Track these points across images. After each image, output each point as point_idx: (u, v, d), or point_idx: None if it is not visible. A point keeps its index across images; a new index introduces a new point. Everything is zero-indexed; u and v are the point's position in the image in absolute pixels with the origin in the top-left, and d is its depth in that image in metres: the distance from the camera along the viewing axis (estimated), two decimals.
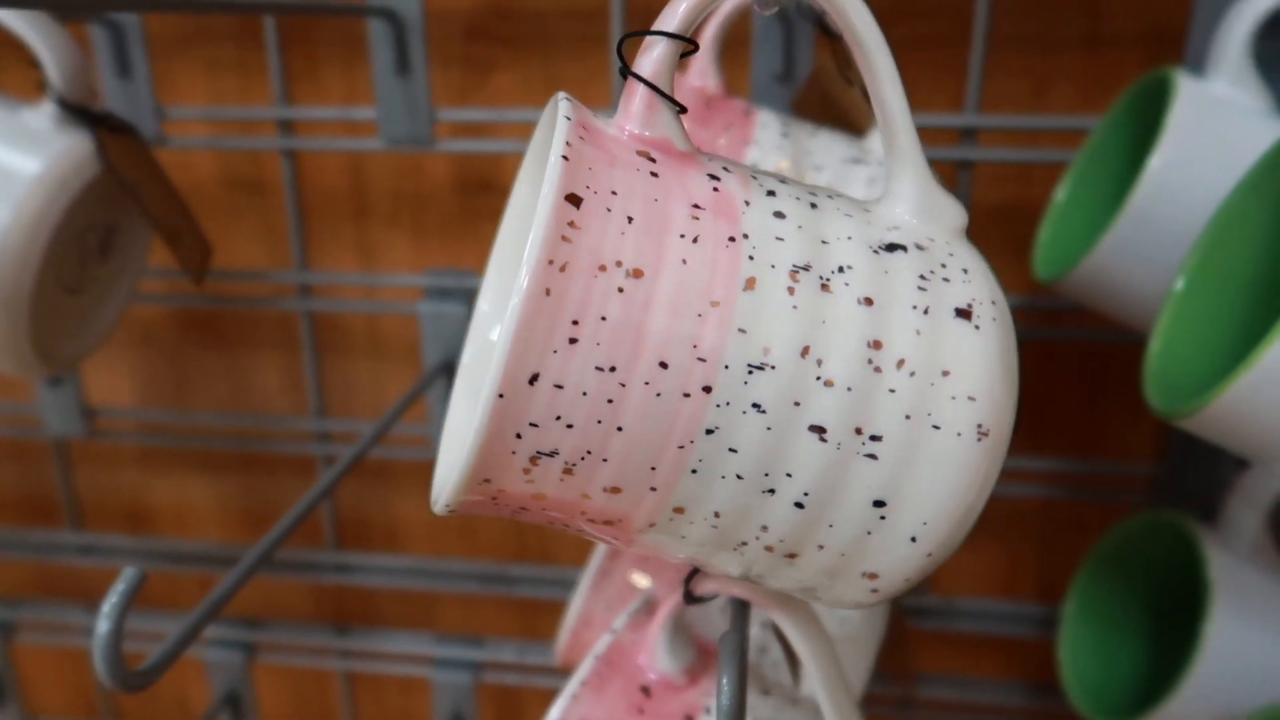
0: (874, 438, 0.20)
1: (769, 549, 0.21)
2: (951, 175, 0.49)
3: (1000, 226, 0.53)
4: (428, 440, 0.57)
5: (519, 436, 0.20)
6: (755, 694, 0.34)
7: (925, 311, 0.21)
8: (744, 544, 0.21)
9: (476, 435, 0.20)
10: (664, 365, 0.19)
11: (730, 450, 0.20)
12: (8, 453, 0.67)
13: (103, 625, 0.26)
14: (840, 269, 0.20)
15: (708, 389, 0.19)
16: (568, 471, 0.20)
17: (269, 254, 0.59)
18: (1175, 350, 0.31)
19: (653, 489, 0.20)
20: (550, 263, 0.19)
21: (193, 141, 0.55)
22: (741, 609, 0.29)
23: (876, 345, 0.20)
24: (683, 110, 0.22)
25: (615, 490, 0.20)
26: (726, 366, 0.19)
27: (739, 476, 0.20)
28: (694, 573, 0.30)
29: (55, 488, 0.66)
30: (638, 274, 0.19)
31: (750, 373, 0.20)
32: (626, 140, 0.21)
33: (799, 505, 0.20)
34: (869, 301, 0.20)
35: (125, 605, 0.27)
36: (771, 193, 0.21)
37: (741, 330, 0.19)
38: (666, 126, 0.22)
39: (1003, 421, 0.21)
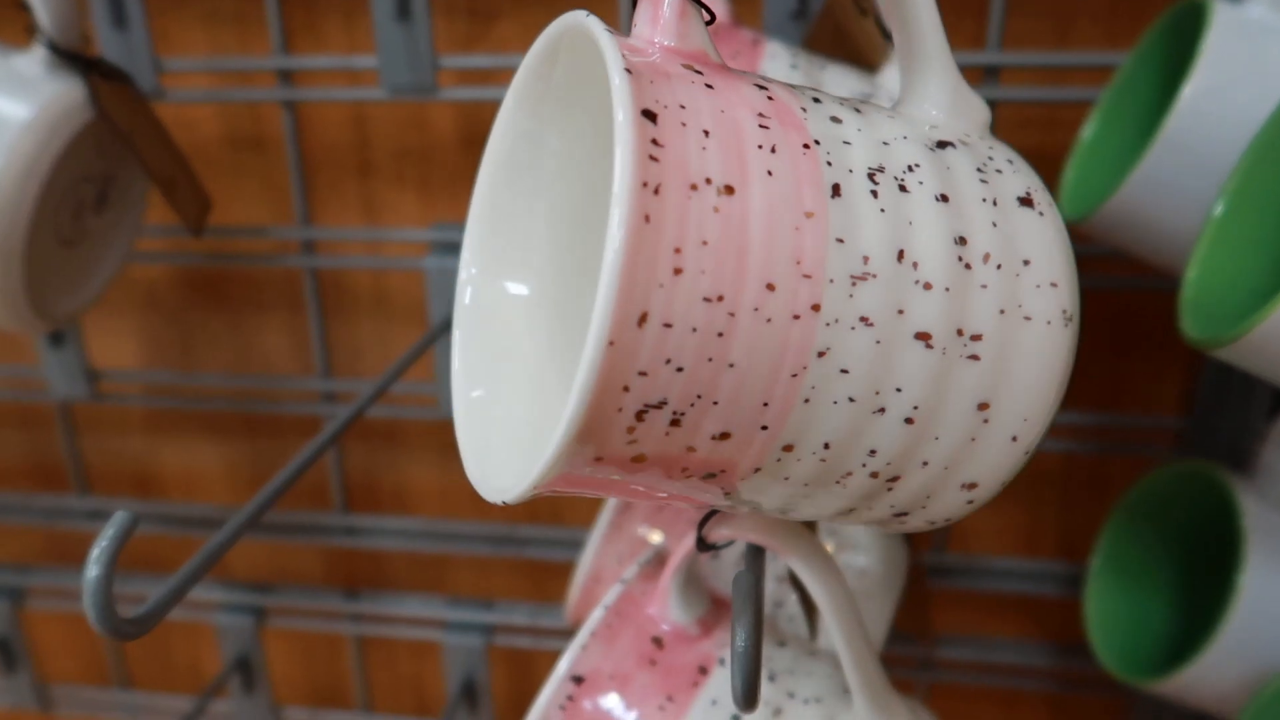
0: (974, 337, 0.19)
1: (874, 475, 0.20)
2: None
3: None
4: (436, 399, 0.56)
5: (626, 390, 0.17)
6: (771, 645, 0.33)
7: (994, 203, 0.20)
8: (848, 474, 0.20)
9: (581, 398, 0.17)
10: (771, 287, 0.18)
11: (842, 371, 0.19)
12: (13, 418, 0.66)
13: (92, 570, 0.25)
14: (910, 168, 0.20)
15: (816, 307, 0.18)
16: (675, 423, 0.18)
17: (272, 213, 0.58)
18: (1213, 278, 0.29)
19: (764, 427, 0.19)
20: (644, 185, 0.17)
21: (192, 94, 0.53)
22: (757, 555, 0.28)
23: (962, 241, 0.19)
24: (712, 19, 0.21)
25: (724, 436, 0.19)
26: (831, 280, 0.18)
27: (851, 399, 0.19)
28: (707, 518, 0.29)
29: (61, 452, 0.65)
30: (729, 190, 0.18)
31: (854, 284, 0.19)
32: (666, 54, 0.20)
33: (909, 421, 0.20)
34: (945, 198, 0.20)
35: (115, 550, 0.26)
36: (817, 100, 0.20)
37: (839, 240, 0.18)
38: (700, 38, 0.20)
39: (1078, 304, 0.21)
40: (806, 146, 0.19)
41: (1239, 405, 0.47)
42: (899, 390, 0.19)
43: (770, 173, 0.18)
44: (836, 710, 0.31)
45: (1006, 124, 0.51)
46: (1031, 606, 0.59)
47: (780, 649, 0.33)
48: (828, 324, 0.18)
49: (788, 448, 0.19)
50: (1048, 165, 0.47)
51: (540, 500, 0.66)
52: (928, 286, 0.19)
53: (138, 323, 0.62)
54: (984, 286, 0.19)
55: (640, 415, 0.18)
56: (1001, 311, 0.20)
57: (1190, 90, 0.34)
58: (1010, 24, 0.48)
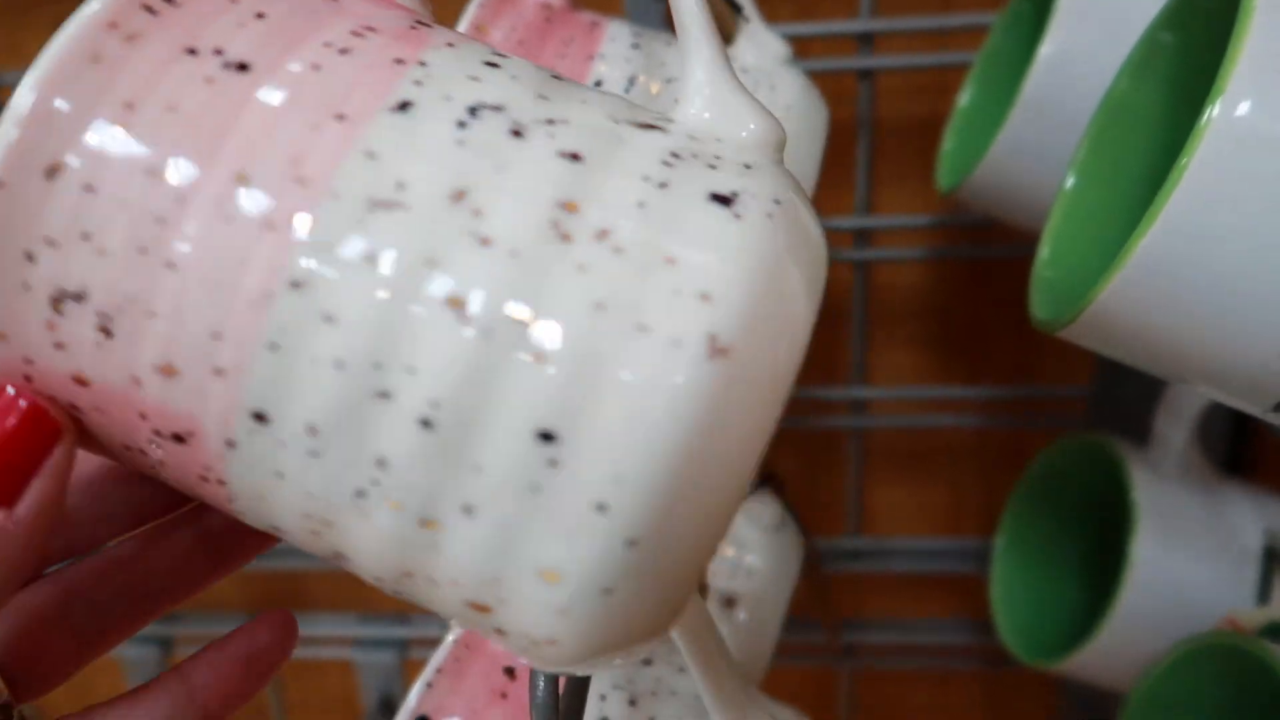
0: (544, 329, 0.14)
1: (397, 507, 0.15)
2: (852, 87, 0.46)
3: (912, 142, 0.49)
4: None
5: (30, 259, 0.15)
6: (635, 666, 0.31)
7: (661, 185, 0.15)
8: (362, 494, 0.15)
9: None
10: (243, 179, 0.15)
11: (326, 319, 0.14)
12: None
13: None
14: (550, 120, 0.16)
15: (301, 222, 0.14)
16: (105, 330, 0.15)
17: None
18: (1065, 256, 0.28)
19: (218, 371, 0.15)
20: (112, 26, 0.15)
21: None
22: None
23: (570, 207, 0.15)
24: None
25: (170, 370, 0.15)
26: (336, 195, 0.14)
27: (339, 364, 0.14)
28: None
29: None
30: (240, 67, 0.15)
31: (370, 209, 0.14)
32: None
33: (426, 424, 0.14)
34: (575, 157, 0.15)
35: None
36: (494, 63, 0.17)
37: (370, 155, 0.15)
38: None
39: (753, 343, 0.14)
40: (400, 62, 0.16)
41: (1137, 373, 0.46)
42: (411, 371, 0.14)
43: (318, 67, 0.15)
44: None
45: (893, 93, 0.49)
46: (956, 585, 0.57)
47: (644, 668, 0.31)
48: (314, 246, 0.14)
49: (259, 416, 0.15)
50: (938, 135, 0.45)
51: None
52: (485, 242, 0.14)
53: None
54: (580, 268, 0.14)
55: (58, 304, 0.15)
56: (599, 306, 0.14)
57: (1046, 51, 0.33)
58: None
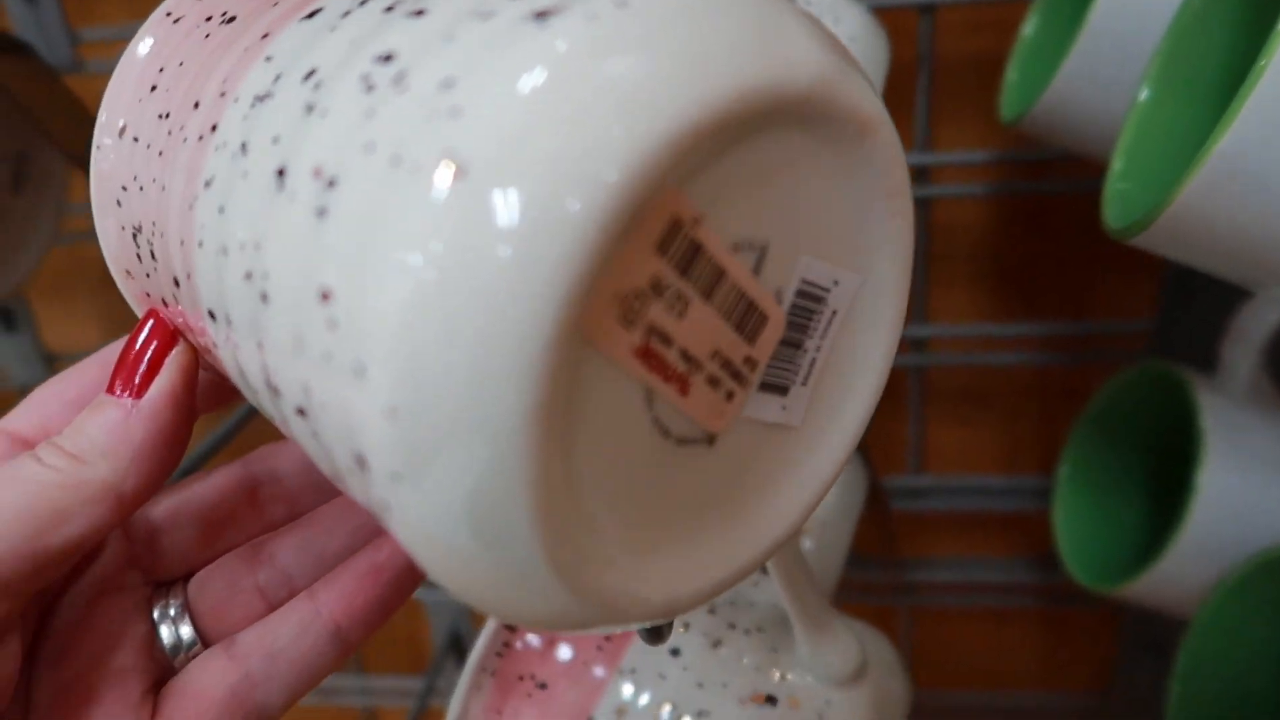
0: (330, 183, 0.14)
1: (275, 392, 0.15)
2: (912, 23, 0.46)
3: (972, 80, 0.49)
4: None
5: (119, 205, 0.18)
6: None
7: (484, 16, 0.14)
8: (266, 385, 0.16)
9: (93, 200, 0.19)
10: (196, 105, 0.17)
11: (220, 210, 0.16)
12: None
13: None
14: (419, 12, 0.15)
15: (214, 127, 0.16)
16: (152, 254, 0.18)
17: None
18: (1139, 168, 0.28)
19: (188, 276, 0.17)
20: (167, 15, 0.18)
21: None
22: None
23: (387, 60, 0.14)
24: None
25: (177, 283, 0.17)
26: (237, 99, 0.16)
27: (224, 250, 0.15)
28: None
29: None
30: (230, 19, 0.18)
31: (254, 104, 0.16)
32: None
33: (264, 299, 0.15)
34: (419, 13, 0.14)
35: None
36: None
37: (269, 58, 0.16)
38: None
39: (499, 163, 0.12)
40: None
41: (1205, 303, 0.46)
42: (256, 246, 0.15)
43: (276, 3, 0.17)
44: (778, 638, 0.30)
45: (954, 29, 0.49)
46: (1014, 523, 0.58)
47: None
48: (217, 148, 0.16)
49: (212, 314, 0.16)
50: (1000, 73, 0.45)
51: None
52: (312, 110, 0.14)
53: (94, 305, 0.62)
54: (369, 114, 0.14)
55: (136, 240, 0.18)
56: (368, 148, 0.13)
57: None
58: None
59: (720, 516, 0.17)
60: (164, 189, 0.17)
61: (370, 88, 0.14)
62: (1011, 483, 0.55)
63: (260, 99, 0.16)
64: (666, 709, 0.29)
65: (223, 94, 0.16)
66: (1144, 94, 0.29)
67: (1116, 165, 0.28)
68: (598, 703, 0.29)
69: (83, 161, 0.42)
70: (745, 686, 0.29)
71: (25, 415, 0.20)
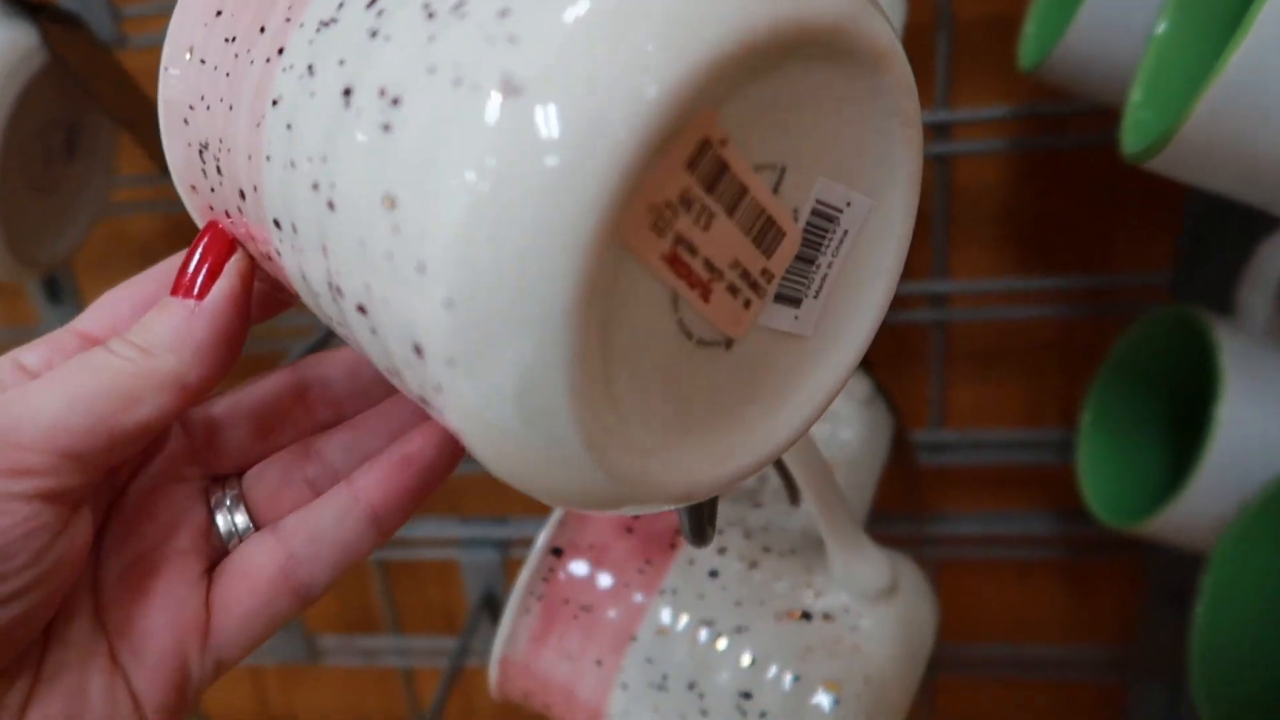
0: (394, 100, 0.15)
1: (338, 292, 0.17)
2: None
3: (991, 40, 0.50)
4: None
5: (186, 123, 0.19)
6: (747, 507, 0.33)
7: None
8: (328, 287, 0.17)
9: (160, 118, 0.19)
10: (262, 29, 0.18)
11: (288, 127, 0.17)
12: None
13: None
14: None
15: (281, 50, 0.17)
16: (219, 169, 0.19)
17: None
18: (1157, 98, 0.29)
19: (254, 189, 0.18)
20: None
21: (157, 38, 0.53)
22: None
23: None
24: None
25: (243, 195, 0.19)
26: (302, 24, 0.17)
27: (292, 164, 0.17)
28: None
29: None
30: None
31: (319, 30, 0.17)
32: None
33: (331, 206, 0.16)
34: None
35: None
36: None
37: None
38: None
39: (555, 78, 0.14)
40: None
41: (1221, 254, 0.46)
42: (324, 159, 0.16)
43: None
44: (812, 560, 0.32)
45: None
46: (1037, 477, 0.59)
47: (756, 509, 0.33)
48: (284, 69, 0.17)
49: (277, 222, 0.18)
50: (1016, 32, 0.46)
51: None
52: (376, 35, 0.16)
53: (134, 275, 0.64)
54: (431, 39, 0.15)
55: (203, 155, 0.19)
56: (430, 71, 0.15)
57: None
58: None
59: (735, 414, 0.18)
60: (231, 108, 0.18)
61: (431, 14, 0.15)
62: (1033, 436, 0.56)
63: (325, 24, 0.17)
64: (705, 627, 0.30)
65: (288, 19, 0.18)
66: (1161, 27, 0.30)
67: (1135, 96, 0.29)
68: (640, 623, 0.31)
69: (132, 128, 0.44)
70: (780, 604, 0.30)
71: (95, 317, 0.22)
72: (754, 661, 0.30)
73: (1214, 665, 0.38)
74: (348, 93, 0.16)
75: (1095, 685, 0.62)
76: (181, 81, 0.19)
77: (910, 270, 0.55)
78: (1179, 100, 0.29)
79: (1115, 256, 0.54)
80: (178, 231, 0.61)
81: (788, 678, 0.29)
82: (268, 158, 0.17)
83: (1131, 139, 0.28)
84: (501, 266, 0.14)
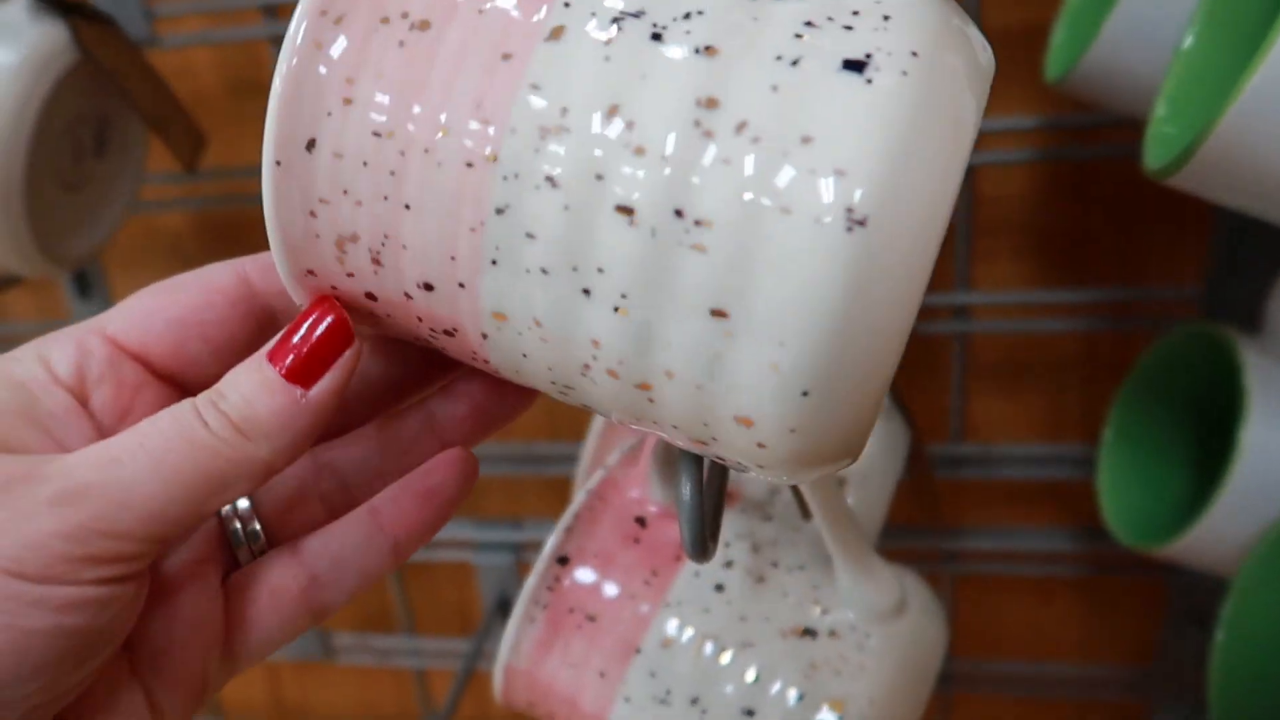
0: (699, 223, 0.16)
1: (613, 374, 0.18)
2: None
3: (1017, 51, 0.50)
4: None
5: (313, 215, 0.18)
6: (757, 520, 0.33)
7: (794, 63, 0.16)
8: (587, 367, 0.18)
9: (268, 210, 0.18)
10: (445, 131, 0.17)
11: (528, 235, 0.17)
12: None
13: None
14: (687, 15, 0.17)
15: (493, 157, 0.17)
16: (376, 260, 0.18)
17: None
18: (1181, 112, 0.29)
19: (461, 285, 0.18)
20: (324, 14, 0.17)
21: (188, 38, 0.54)
22: None
23: (710, 104, 0.16)
24: None
25: (429, 287, 0.18)
26: (514, 130, 0.17)
27: (544, 270, 0.17)
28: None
29: None
30: (423, 26, 0.17)
31: (542, 137, 0.17)
32: None
33: (619, 311, 0.17)
34: (710, 51, 0.16)
35: None
36: None
37: (535, 86, 0.17)
38: None
39: (891, 208, 0.15)
40: None
41: (1251, 270, 0.46)
42: (600, 270, 0.17)
43: (482, 11, 0.17)
44: (820, 577, 0.31)
45: (999, 2, 0.49)
46: (1058, 493, 0.58)
47: (766, 523, 0.33)
48: (505, 178, 0.17)
49: (498, 314, 0.18)
50: (1043, 43, 0.46)
51: (560, 417, 0.66)
52: (639, 151, 0.16)
53: (164, 273, 0.64)
54: (725, 162, 0.16)
55: (341, 244, 0.18)
56: (746, 196, 0.16)
57: None
58: None
59: None
60: (408, 207, 0.18)
61: (707, 134, 0.16)
62: (1055, 451, 0.55)
63: (553, 132, 0.17)
64: (710, 641, 0.30)
65: (485, 121, 0.17)
66: (1188, 41, 0.29)
67: (1160, 110, 0.29)
68: (644, 635, 0.31)
69: (162, 127, 0.44)
70: (787, 620, 0.30)
71: (125, 324, 0.22)
72: (758, 677, 0.29)
73: (1235, 691, 0.38)
74: (627, 210, 0.16)
75: (1115, 705, 0.61)
76: (305, 175, 0.18)
77: (932, 281, 0.55)
78: (1203, 116, 0.28)
79: (1142, 270, 0.53)
80: (207, 228, 0.62)
81: (792, 695, 0.29)
82: (494, 262, 0.18)
83: (1154, 154, 0.27)
84: (847, 367, 0.16)
